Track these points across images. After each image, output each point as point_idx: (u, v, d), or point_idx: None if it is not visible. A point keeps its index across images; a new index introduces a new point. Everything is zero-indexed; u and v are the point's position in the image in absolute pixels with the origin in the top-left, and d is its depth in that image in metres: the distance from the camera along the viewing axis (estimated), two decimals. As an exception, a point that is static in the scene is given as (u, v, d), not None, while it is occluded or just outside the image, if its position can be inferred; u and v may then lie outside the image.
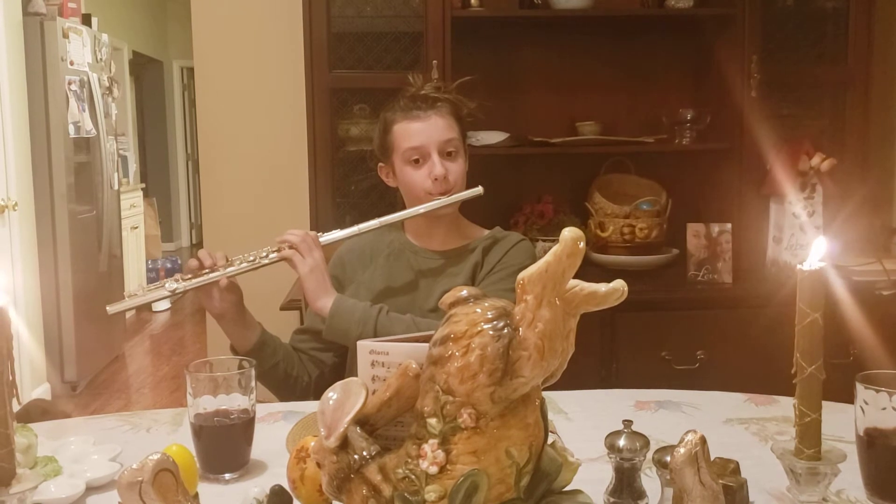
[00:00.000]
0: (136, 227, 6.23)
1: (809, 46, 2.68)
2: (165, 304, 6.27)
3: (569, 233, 0.74)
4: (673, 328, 2.45)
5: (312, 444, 0.86)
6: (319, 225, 2.53)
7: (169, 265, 7.07)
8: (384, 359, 0.88)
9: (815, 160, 2.50)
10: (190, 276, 1.58)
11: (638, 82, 2.89)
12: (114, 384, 4.61)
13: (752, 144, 2.55)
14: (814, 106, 2.75)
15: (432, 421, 0.76)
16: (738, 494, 0.95)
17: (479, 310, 0.77)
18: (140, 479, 0.74)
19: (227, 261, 1.59)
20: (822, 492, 0.89)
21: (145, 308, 6.10)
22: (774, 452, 0.92)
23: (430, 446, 0.75)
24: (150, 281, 6.58)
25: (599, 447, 1.04)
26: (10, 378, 0.81)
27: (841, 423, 1.08)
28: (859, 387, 0.97)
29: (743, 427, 1.34)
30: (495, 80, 2.80)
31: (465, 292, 0.81)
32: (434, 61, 2.46)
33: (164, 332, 5.77)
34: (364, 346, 0.90)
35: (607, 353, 2.43)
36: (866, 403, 0.97)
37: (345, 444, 0.80)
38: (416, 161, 1.67)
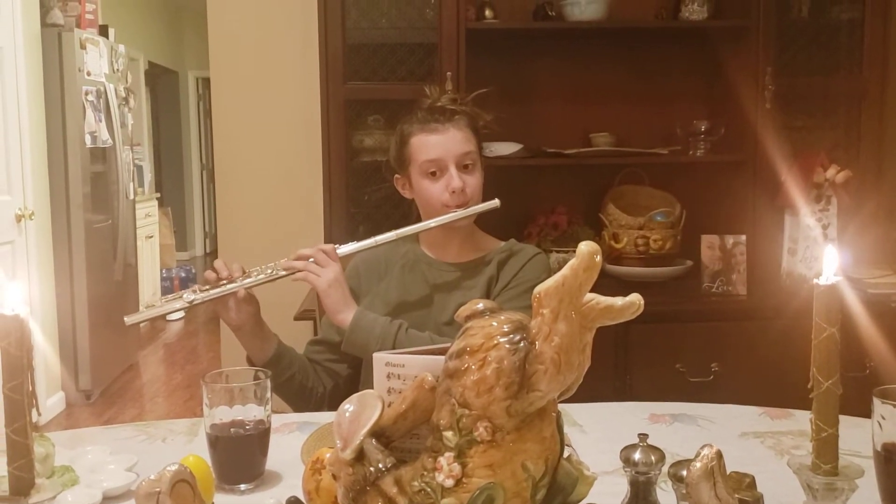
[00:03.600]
0: (151, 237, 6.27)
1: (824, 58, 2.68)
2: (179, 314, 6.29)
3: (585, 246, 0.75)
4: (687, 340, 2.44)
5: (328, 455, 0.87)
6: (333, 235, 2.54)
7: (183, 274, 7.11)
8: (400, 371, 0.89)
9: (830, 172, 2.48)
10: (207, 287, 1.59)
11: (652, 94, 2.88)
12: (128, 393, 4.63)
13: (766, 156, 2.55)
14: (828, 117, 2.74)
15: (448, 434, 0.76)
16: (754, 509, 0.94)
17: (495, 323, 0.78)
18: (158, 490, 0.75)
19: (244, 272, 1.60)
20: (839, 507, 0.89)
21: (159, 317, 6.12)
22: (791, 467, 0.92)
23: (445, 459, 0.75)
24: (165, 290, 6.61)
25: (614, 460, 1.04)
26: (30, 389, 0.82)
27: (858, 438, 1.08)
28: (876, 402, 0.97)
29: (758, 441, 1.34)
30: (509, 91, 2.80)
31: (481, 305, 0.81)
32: (448, 73, 2.47)
33: (178, 341, 5.79)
34: (380, 359, 0.90)
35: (621, 364, 2.42)
36: (883, 419, 0.96)
37: (360, 457, 0.81)
38: (434, 174, 1.67)
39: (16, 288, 0.82)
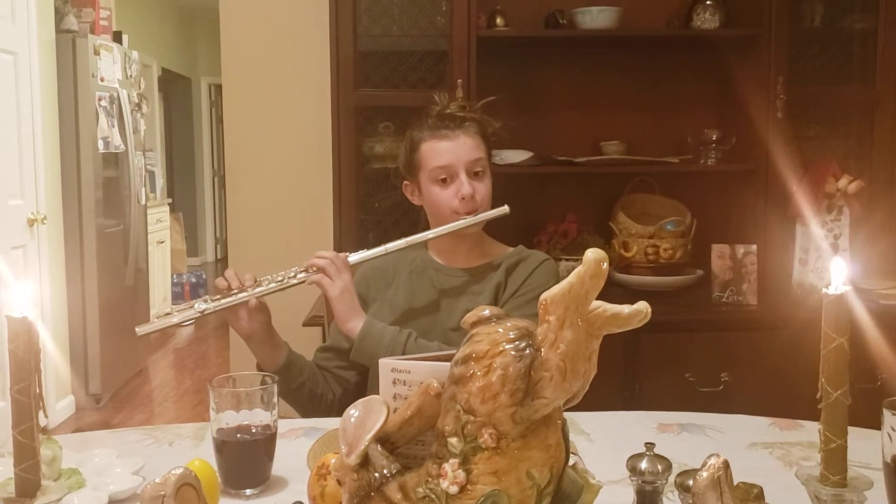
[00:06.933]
0: (163, 242, 6.29)
1: (836, 67, 2.66)
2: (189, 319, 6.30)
3: (592, 254, 0.74)
4: (697, 350, 2.43)
5: (333, 461, 0.87)
6: (343, 241, 2.54)
7: (194, 280, 7.13)
8: (406, 377, 0.89)
9: (842, 182, 2.47)
10: (219, 296, 1.59)
11: (663, 102, 2.88)
12: (137, 397, 4.64)
13: (777, 165, 2.53)
14: (841, 127, 2.73)
15: (453, 440, 0.76)
16: (761, 520, 0.94)
17: (501, 329, 0.77)
18: (163, 493, 0.75)
19: (256, 281, 1.60)
20: (847, 519, 0.88)
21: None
22: (799, 478, 0.91)
23: (450, 466, 0.75)
24: (175, 295, 6.63)
25: (621, 469, 1.04)
26: (37, 391, 0.82)
27: (867, 450, 1.07)
28: (886, 413, 0.96)
29: (767, 451, 1.33)
30: (520, 99, 2.81)
31: (487, 312, 0.81)
32: (459, 80, 2.48)
33: (188, 347, 5.81)
34: (386, 365, 0.90)
35: (630, 374, 2.41)
36: (894, 430, 0.95)
37: (365, 462, 0.81)
38: (444, 180, 1.67)
39: (24, 290, 0.83)
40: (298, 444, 1.34)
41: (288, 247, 2.94)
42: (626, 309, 0.77)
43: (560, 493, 0.77)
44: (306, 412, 1.69)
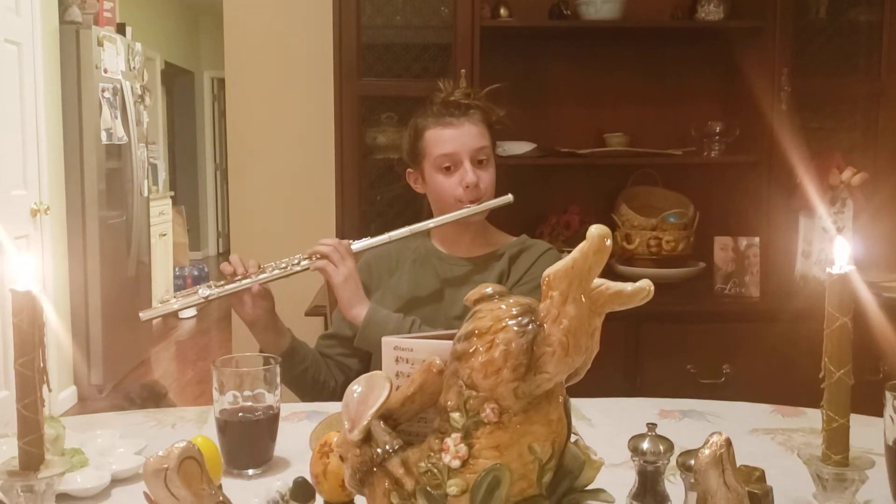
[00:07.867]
0: (165, 235, 6.29)
1: (841, 59, 2.66)
2: (192, 311, 6.31)
3: (595, 230, 0.74)
4: (699, 341, 2.43)
5: (336, 438, 0.87)
6: (345, 233, 2.54)
7: (196, 273, 7.13)
8: (408, 355, 0.89)
9: (846, 174, 2.47)
10: (223, 282, 1.59)
11: (667, 94, 2.88)
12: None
13: (781, 157, 2.53)
14: (845, 119, 2.72)
15: (455, 415, 0.76)
16: (763, 501, 0.94)
17: (503, 306, 0.77)
18: (165, 466, 0.75)
19: (260, 267, 1.60)
20: (848, 499, 0.88)
21: (172, 314, 6.14)
22: (801, 458, 0.91)
23: (452, 440, 0.75)
24: (178, 288, 6.63)
25: (622, 453, 1.04)
26: (41, 365, 0.82)
27: (870, 436, 1.07)
28: (889, 396, 0.96)
29: (769, 437, 1.33)
30: (523, 90, 2.80)
31: (489, 289, 0.81)
32: (462, 70, 2.47)
33: (190, 338, 5.81)
34: (389, 343, 0.90)
35: (632, 364, 2.41)
36: (896, 412, 0.95)
37: (368, 438, 0.81)
38: (448, 168, 1.67)
39: (28, 263, 0.83)
40: (301, 427, 1.34)
41: (291, 239, 2.93)
42: (629, 286, 0.77)
43: (562, 469, 0.77)
44: (308, 399, 1.70)
